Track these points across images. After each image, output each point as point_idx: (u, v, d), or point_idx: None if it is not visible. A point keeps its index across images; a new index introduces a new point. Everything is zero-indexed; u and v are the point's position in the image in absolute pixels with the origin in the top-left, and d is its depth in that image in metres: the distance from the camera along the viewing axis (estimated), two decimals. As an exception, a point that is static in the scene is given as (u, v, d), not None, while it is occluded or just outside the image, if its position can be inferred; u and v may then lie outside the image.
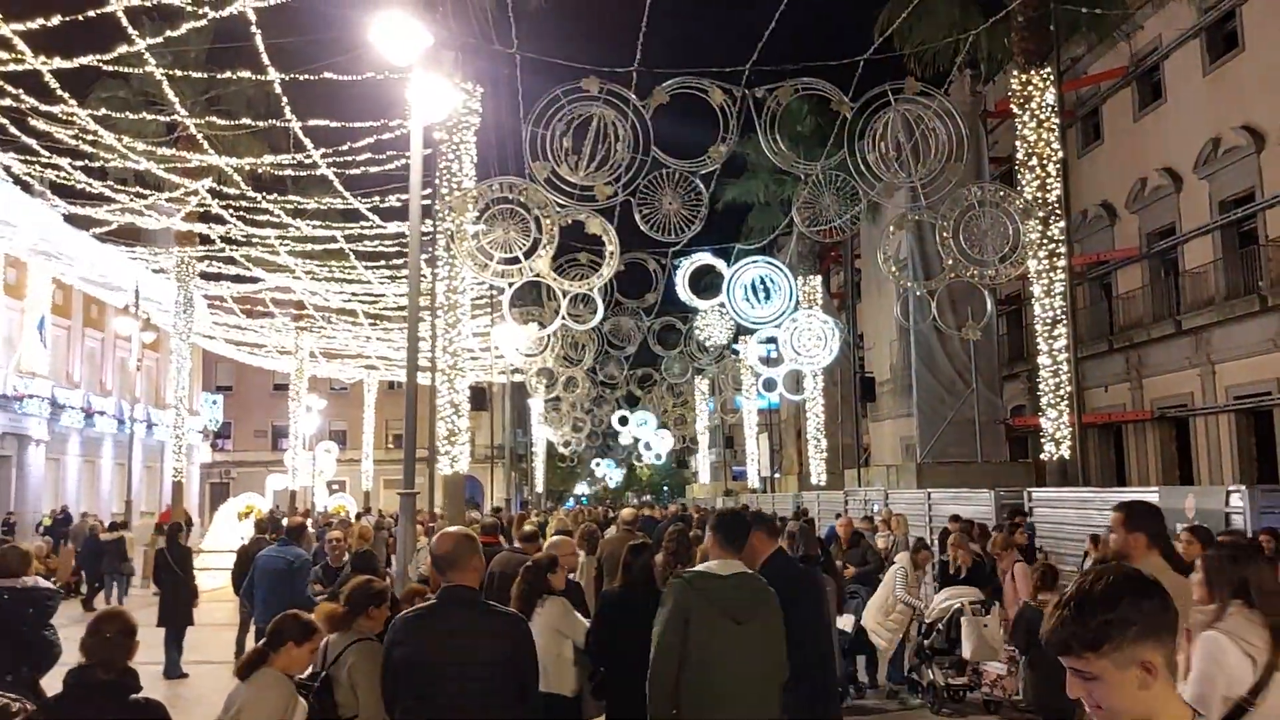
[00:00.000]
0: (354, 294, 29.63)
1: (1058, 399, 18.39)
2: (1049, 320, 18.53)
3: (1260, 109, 19.86)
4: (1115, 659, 1.88)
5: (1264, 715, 3.17)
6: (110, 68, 16.64)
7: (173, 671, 12.37)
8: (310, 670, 5.07)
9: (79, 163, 19.42)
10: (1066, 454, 18.23)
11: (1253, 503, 10.46)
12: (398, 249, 23.41)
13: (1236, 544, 4.04)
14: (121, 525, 23.31)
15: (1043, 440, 18.70)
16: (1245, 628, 3.44)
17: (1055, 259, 18.50)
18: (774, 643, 4.58)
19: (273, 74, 15.72)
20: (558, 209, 15.80)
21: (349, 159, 18.47)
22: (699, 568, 4.86)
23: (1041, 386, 18.70)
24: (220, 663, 12.82)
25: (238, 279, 29.72)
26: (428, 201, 16.66)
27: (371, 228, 22.05)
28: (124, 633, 4.20)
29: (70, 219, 23.96)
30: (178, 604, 12.66)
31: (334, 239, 23.63)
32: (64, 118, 17.23)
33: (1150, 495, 12.90)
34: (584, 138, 15.02)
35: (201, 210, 24.43)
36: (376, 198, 20.63)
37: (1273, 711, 3.18)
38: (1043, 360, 18.64)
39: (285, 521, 14.59)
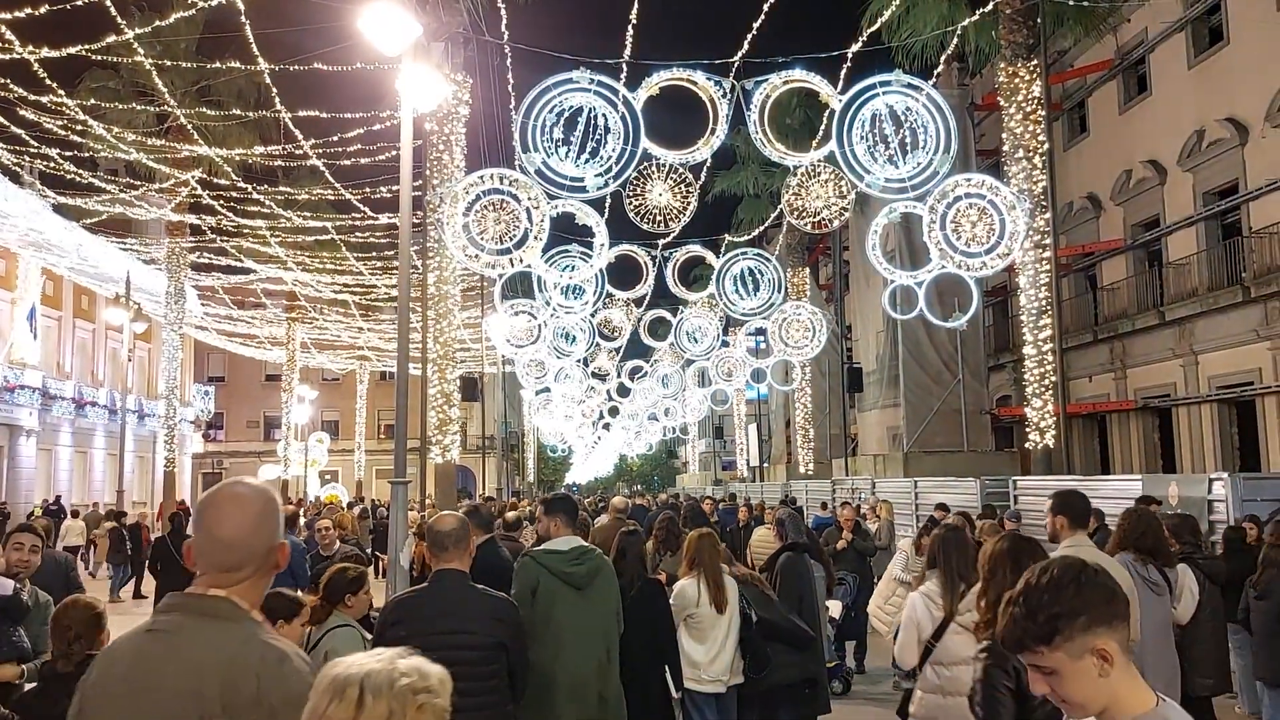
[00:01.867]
0: (345, 285, 29.68)
1: (1043, 389, 18.57)
2: (1034, 311, 18.70)
3: (1244, 101, 20.04)
4: (1069, 649, 1.89)
5: (941, 651, 4.51)
6: (99, 58, 16.64)
7: None
8: None
9: (69, 153, 19.42)
10: (1051, 443, 18.41)
11: (1235, 491, 10.61)
12: (389, 240, 23.47)
13: (948, 527, 5.20)
14: (74, 515, 23.53)
15: (1028, 430, 18.88)
16: (937, 591, 4.70)
17: (1041, 250, 18.67)
18: (608, 605, 5.17)
19: (262, 64, 15.76)
20: (548, 200, 15.88)
21: (339, 150, 18.53)
22: (543, 546, 5.37)
23: (1027, 376, 18.88)
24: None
25: (229, 270, 29.74)
26: (418, 192, 16.73)
27: (362, 219, 22.11)
28: (87, 623, 4.10)
29: (60, 209, 23.94)
30: (171, 590, 12.71)
31: (325, 230, 23.67)
32: (53, 108, 17.25)
33: (1133, 484, 13.10)
34: (574, 129, 15.07)
35: (192, 201, 24.44)
36: (367, 189, 20.69)
37: (947, 648, 4.50)
38: (1028, 351, 18.82)
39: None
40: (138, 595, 19.40)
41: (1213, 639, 6.89)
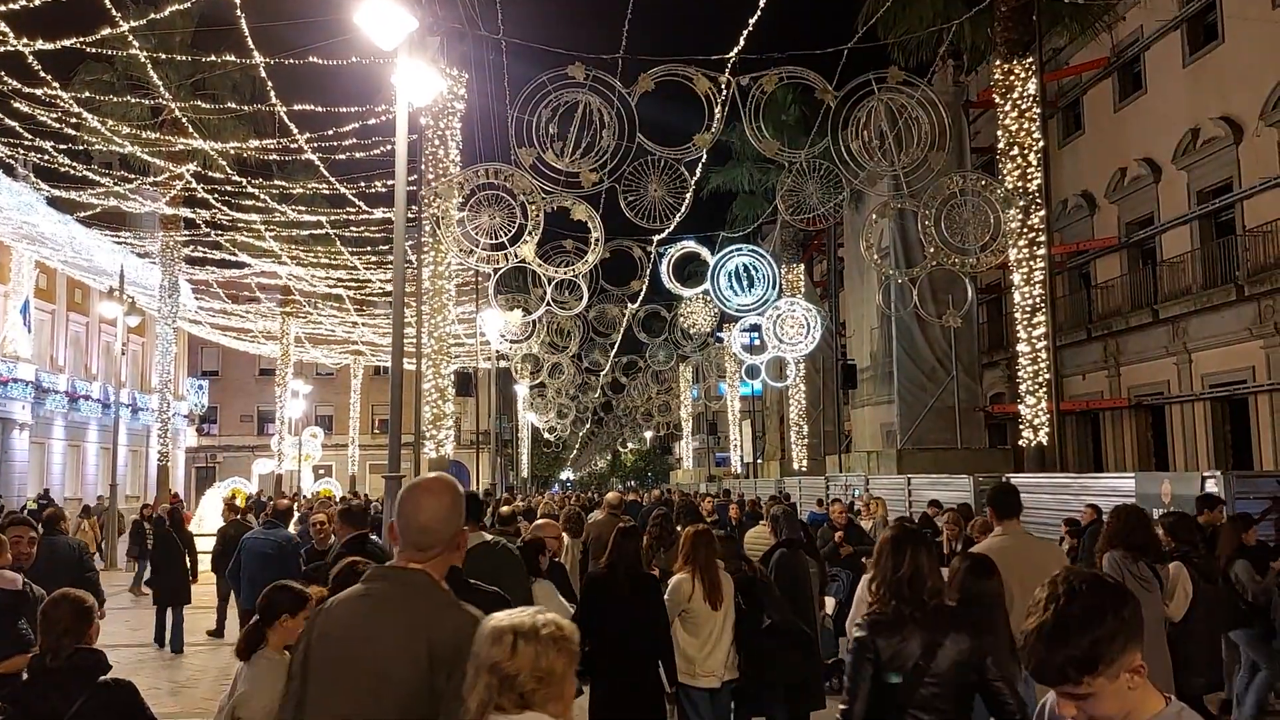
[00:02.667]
0: (340, 279, 29.65)
1: (1036, 386, 18.63)
2: (1028, 308, 18.75)
3: (1239, 100, 20.08)
4: (1108, 674, 1.88)
5: None
6: (94, 50, 16.58)
7: (176, 645, 12.57)
8: None
9: (63, 146, 19.35)
10: (1044, 440, 18.48)
11: (1227, 488, 10.66)
12: (384, 234, 23.44)
13: (901, 519, 5.56)
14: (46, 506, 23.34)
15: (1021, 427, 18.94)
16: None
17: (1035, 248, 18.72)
18: (512, 596, 5.20)
19: (258, 58, 15.72)
20: (543, 195, 15.88)
21: (334, 144, 18.49)
22: None
23: (1020, 374, 18.93)
24: (207, 644, 12.99)
25: (223, 264, 29.70)
26: (413, 187, 16.70)
27: (357, 213, 22.07)
28: (76, 617, 4.03)
29: (54, 202, 23.87)
30: (174, 581, 12.89)
31: (320, 224, 23.63)
32: (47, 100, 17.18)
33: (1126, 481, 13.15)
34: (570, 124, 15.08)
35: (187, 195, 24.39)
36: (362, 183, 20.66)
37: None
38: (1022, 348, 18.88)
39: (269, 504, 14.77)
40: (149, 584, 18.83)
41: (1206, 638, 6.92)
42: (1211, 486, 10.93)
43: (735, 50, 15.23)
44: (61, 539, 8.10)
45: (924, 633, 3.71)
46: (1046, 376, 18.70)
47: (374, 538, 7.92)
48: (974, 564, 4.83)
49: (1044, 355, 18.72)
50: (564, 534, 8.78)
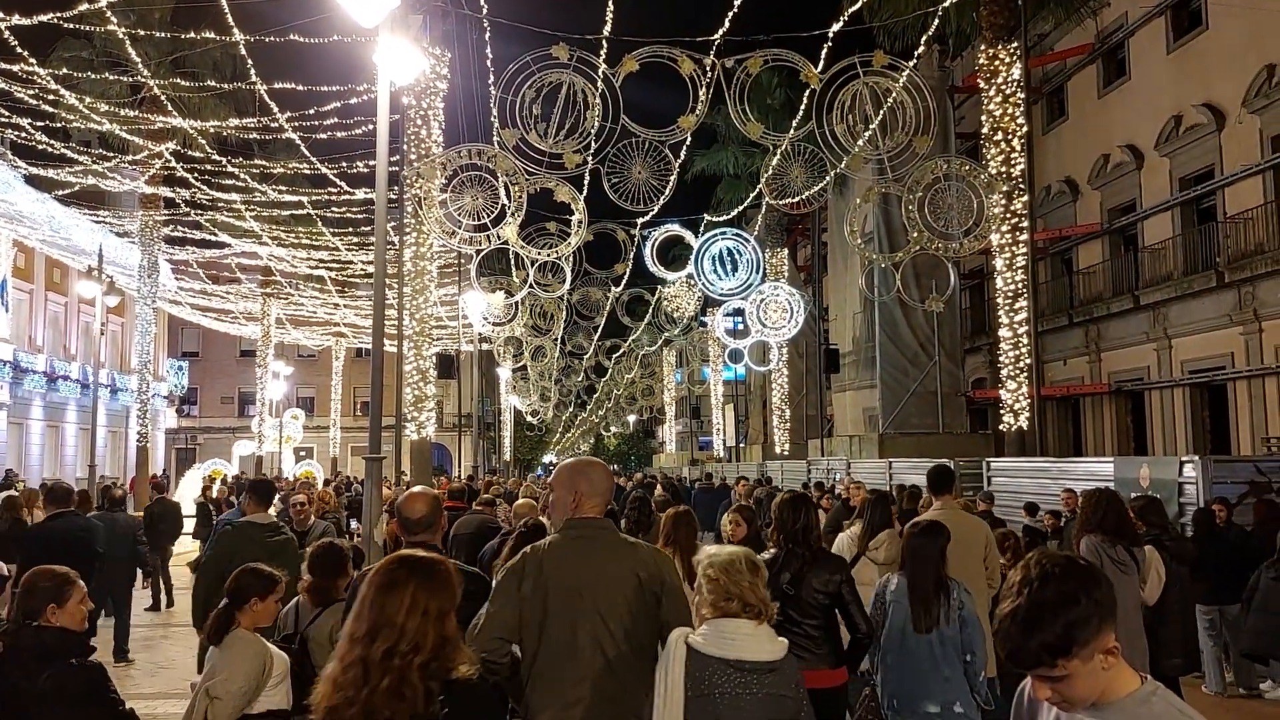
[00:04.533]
0: (321, 260, 29.45)
1: (1017, 371, 18.71)
2: (1010, 294, 18.80)
3: (1222, 87, 20.15)
4: (1083, 656, 1.88)
5: (854, 575, 5.41)
6: (71, 26, 16.32)
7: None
8: (284, 632, 5.05)
9: (40, 123, 19.09)
10: (1025, 425, 18.57)
11: (1205, 473, 10.73)
12: (365, 215, 23.27)
13: (875, 491, 7.04)
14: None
15: (1002, 412, 19.03)
16: (858, 533, 7.21)
17: (1018, 233, 18.76)
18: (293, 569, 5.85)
19: (238, 35, 15.52)
20: (526, 176, 15.78)
21: (316, 123, 18.30)
22: (245, 518, 6.80)
23: (1002, 359, 19.00)
24: (186, 626, 12.91)
25: (203, 244, 29.43)
26: (395, 167, 16.58)
27: (339, 193, 21.89)
28: (34, 593, 3.93)
29: (31, 180, 23.58)
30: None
31: (301, 204, 23.43)
32: (24, 76, 16.93)
33: (1105, 466, 13.22)
34: (553, 105, 14.97)
35: (166, 173, 24.13)
36: (344, 163, 20.47)
37: (857, 572, 6.01)
38: (1003, 333, 18.94)
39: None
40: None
41: (1181, 620, 6.98)
42: (1189, 471, 11.02)
43: (720, 32, 15.13)
44: (121, 515, 8.94)
45: (797, 566, 5.03)
46: (1028, 362, 18.78)
47: (79, 515, 8.62)
48: (918, 526, 5.40)
49: (1025, 341, 18.79)
50: (544, 517, 8.78)
